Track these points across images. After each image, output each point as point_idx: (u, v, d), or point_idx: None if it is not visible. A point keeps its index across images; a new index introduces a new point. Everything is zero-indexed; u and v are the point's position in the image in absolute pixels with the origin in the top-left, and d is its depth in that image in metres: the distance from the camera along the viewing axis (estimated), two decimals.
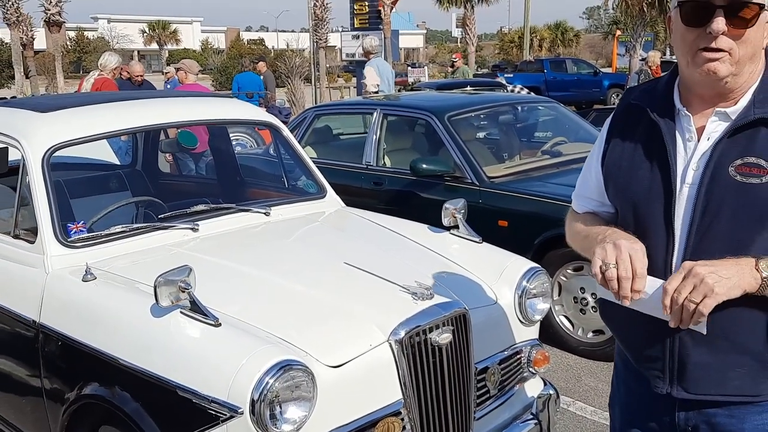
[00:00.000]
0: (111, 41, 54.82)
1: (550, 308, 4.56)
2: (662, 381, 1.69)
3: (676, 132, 1.66)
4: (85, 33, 54.24)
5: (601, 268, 1.58)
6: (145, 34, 58.73)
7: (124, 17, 67.46)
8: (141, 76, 9.88)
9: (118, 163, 5.09)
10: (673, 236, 1.63)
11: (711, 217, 1.57)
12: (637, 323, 1.69)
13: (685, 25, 1.57)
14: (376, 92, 8.87)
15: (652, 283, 1.58)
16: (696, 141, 1.63)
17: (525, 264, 3.10)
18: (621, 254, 1.56)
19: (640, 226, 1.67)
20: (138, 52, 62.35)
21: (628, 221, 1.71)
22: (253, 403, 2.11)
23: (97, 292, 2.66)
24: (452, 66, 16.39)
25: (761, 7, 1.52)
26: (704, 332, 1.56)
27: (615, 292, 1.58)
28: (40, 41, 31.06)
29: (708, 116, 1.63)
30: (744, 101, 1.60)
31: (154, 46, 59.21)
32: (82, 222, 3.02)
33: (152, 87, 10.02)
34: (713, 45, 1.52)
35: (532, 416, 3.01)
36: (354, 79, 24.15)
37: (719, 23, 1.50)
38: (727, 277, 1.47)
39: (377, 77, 9.16)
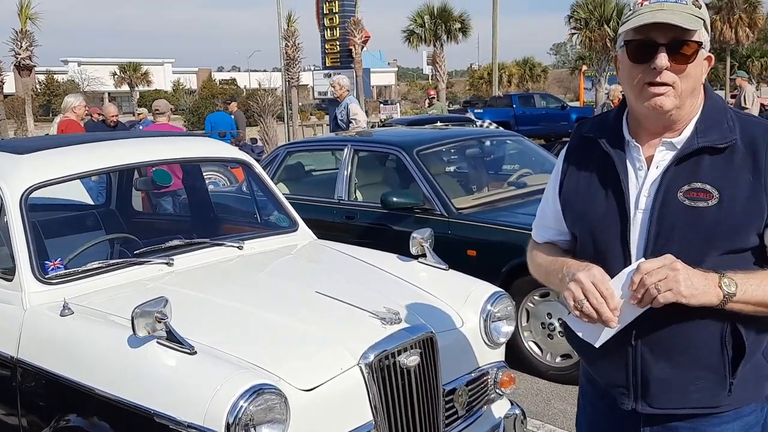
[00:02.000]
0: (81, 84, 54.78)
1: (519, 334, 4.70)
2: (627, 397, 1.78)
3: (627, 161, 1.77)
4: (55, 76, 54.16)
5: (576, 307, 1.67)
6: (116, 76, 58.78)
7: (94, 60, 67.38)
8: (116, 116, 9.99)
9: (92, 203, 5.16)
10: (630, 259, 1.73)
11: (664, 239, 1.68)
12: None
13: (632, 62, 1.69)
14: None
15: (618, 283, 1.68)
16: (646, 169, 1.74)
17: (489, 289, 3.23)
18: (584, 286, 1.66)
19: (598, 250, 1.78)
20: (109, 94, 62.27)
21: (587, 247, 1.82)
22: (228, 426, 2.19)
23: (75, 326, 2.74)
24: (429, 103, 16.69)
25: (699, 44, 1.67)
26: (597, 345, 1.70)
27: (600, 320, 1.65)
28: (10, 85, 31.03)
29: (655, 146, 1.75)
30: (687, 131, 1.72)
31: (125, 87, 59.26)
32: (59, 259, 3.10)
33: (126, 128, 10.12)
34: (658, 79, 1.65)
35: None
36: (326, 117, 24.41)
37: (662, 59, 1.63)
38: (696, 288, 1.58)
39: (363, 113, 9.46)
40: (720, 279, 1.60)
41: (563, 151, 1.97)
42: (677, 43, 1.64)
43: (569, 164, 1.91)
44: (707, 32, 1.70)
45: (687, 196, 1.67)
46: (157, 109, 8.42)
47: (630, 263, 1.71)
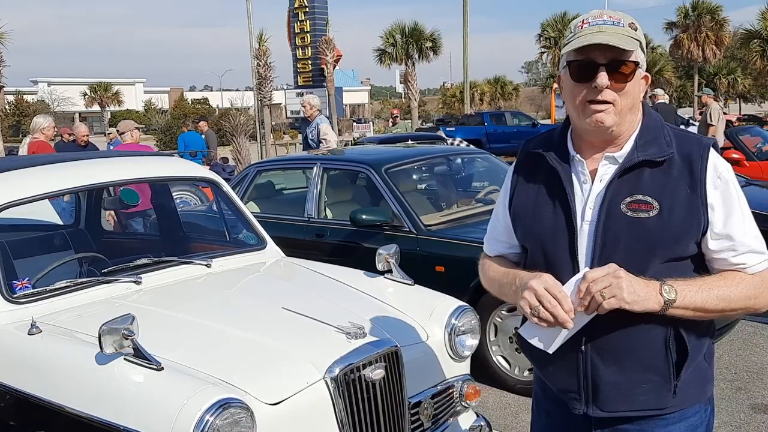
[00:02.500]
0: (51, 104, 54.31)
1: (488, 348, 4.77)
2: (579, 402, 1.86)
3: (572, 175, 1.86)
4: (25, 96, 53.63)
5: (532, 314, 1.74)
6: (86, 96, 58.33)
7: (64, 80, 66.88)
8: (87, 136, 9.93)
9: (61, 222, 5.16)
10: (578, 269, 1.81)
11: (609, 249, 1.76)
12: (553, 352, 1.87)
13: (574, 81, 1.78)
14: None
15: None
16: (590, 183, 1.84)
17: (453, 303, 3.30)
18: (538, 292, 1.73)
19: (548, 261, 1.86)
20: (79, 114, 61.76)
21: (538, 258, 1.89)
22: None
23: (43, 344, 2.75)
24: (393, 122, 16.87)
25: (636, 64, 1.77)
26: (550, 351, 1.77)
27: (557, 323, 1.72)
28: None
29: (599, 160, 1.84)
30: (628, 146, 1.82)
31: (96, 107, 58.81)
32: (27, 279, 3.12)
33: (96, 148, 10.08)
34: (599, 98, 1.75)
35: None
36: (300, 136, 24.46)
37: (603, 78, 1.73)
38: (638, 295, 1.66)
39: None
40: (661, 286, 1.68)
41: (511, 167, 2.05)
42: (616, 63, 1.74)
43: (518, 179, 1.99)
44: (643, 53, 1.81)
45: (629, 207, 1.76)
46: (118, 129, 8.40)
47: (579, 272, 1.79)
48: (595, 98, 1.75)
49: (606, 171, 1.82)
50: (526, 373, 4.80)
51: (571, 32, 1.80)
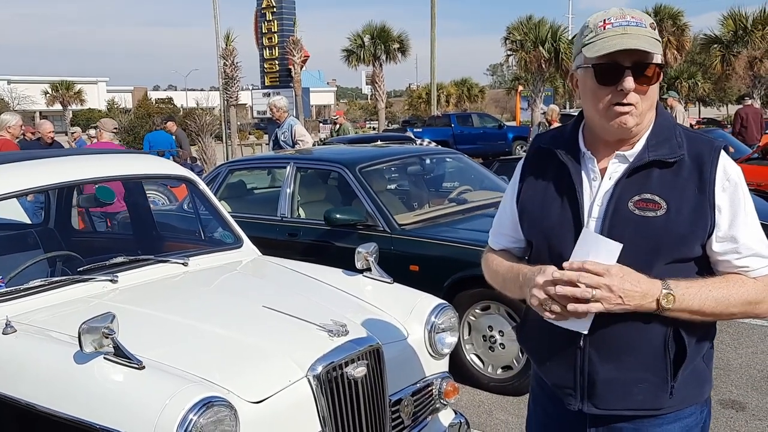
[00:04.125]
0: (11, 102, 53.23)
1: (461, 347, 4.80)
2: (574, 398, 1.86)
3: (582, 172, 1.87)
4: None
5: (545, 310, 1.72)
6: (47, 95, 57.23)
7: (25, 78, 65.61)
8: (51, 132, 9.66)
9: (29, 222, 5.07)
10: None
11: None
12: (550, 346, 1.89)
13: (599, 84, 1.76)
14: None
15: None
16: (600, 180, 1.84)
17: (433, 301, 3.31)
18: (547, 287, 1.71)
19: (553, 256, 1.84)
20: (40, 113, 60.56)
21: (542, 253, 1.89)
22: None
23: (18, 344, 2.70)
24: (335, 124, 16.83)
25: (659, 66, 1.78)
26: (585, 332, 1.74)
27: (569, 314, 1.69)
28: None
29: (609, 158, 1.84)
30: (639, 146, 1.81)
31: (58, 106, 57.71)
32: (0, 277, 3.05)
33: (62, 146, 9.87)
34: (625, 101, 1.73)
35: None
36: (266, 137, 24.31)
37: (630, 82, 1.72)
38: (627, 305, 1.66)
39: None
40: (661, 288, 1.68)
41: (521, 162, 2.05)
42: (641, 66, 1.73)
43: (527, 174, 2.00)
44: (661, 54, 1.80)
45: (637, 206, 1.76)
46: (96, 126, 8.28)
47: None
48: (621, 101, 1.74)
49: (616, 169, 1.83)
50: (500, 371, 4.85)
51: (591, 31, 1.78)
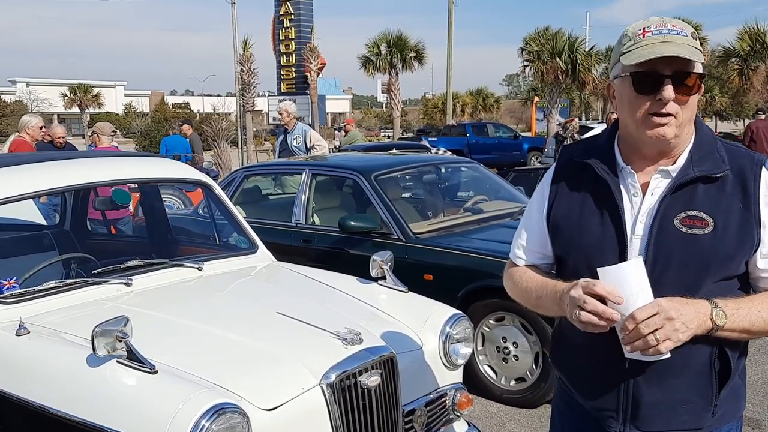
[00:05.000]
0: (30, 105, 53.71)
1: (475, 357, 4.76)
2: (615, 421, 1.79)
3: (621, 187, 1.79)
4: (2, 96, 53.02)
5: (579, 320, 1.65)
6: (65, 98, 57.68)
7: (44, 80, 66.17)
8: (63, 138, 9.65)
9: (45, 223, 5.08)
10: None
11: (661, 266, 1.70)
12: (591, 368, 1.83)
13: (637, 93, 1.70)
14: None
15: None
16: (642, 196, 1.77)
17: (448, 311, 3.28)
18: (579, 297, 1.64)
19: (594, 274, 1.74)
20: (58, 115, 61.08)
21: (582, 271, 1.78)
22: None
23: (31, 345, 2.69)
24: (342, 131, 16.67)
25: (700, 76, 1.70)
26: (668, 355, 1.64)
27: (608, 320, 1.62)
28: None
29: (650, 173, 1.77)
30: (682, 160, 1.75)
31: (75, 109, 58.16)
32: (14, 278, 3.05)
33: (75, 149, 9.88)
34: (664, 111, 1.67)
35: None
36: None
37: (669, 91, 1.65)
38: (691, 328, 1.59)
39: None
40: (712, 310, 1.62)
41: (548, 176, 1.96)
42: (681, 75, 1.68)
43: (558, 188, 1.91)
44: (701, 64, 1.73)
45: (683, 223, 1.70)
46: (94, 130, 8.30)
47: None
48: (659, 111, 1.68)
49: (658, 184, 1.76)
50: (513, 382, 4.80)
51: (630, 39, 1.72)
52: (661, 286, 1.68)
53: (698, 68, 1.70)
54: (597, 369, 1.80)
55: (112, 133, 8.51)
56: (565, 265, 1.91)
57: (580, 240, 1.84)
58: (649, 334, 1.58)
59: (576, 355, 1.86)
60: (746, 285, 1.77)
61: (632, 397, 1.76)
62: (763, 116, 14.27)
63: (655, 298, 1.64)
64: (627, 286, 1.63)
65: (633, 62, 1.69)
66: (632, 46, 1.71)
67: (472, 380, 4.71)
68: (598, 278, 1.68)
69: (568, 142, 13.08)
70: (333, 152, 13.02)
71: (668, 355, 1.64)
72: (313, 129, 9.61)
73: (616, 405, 1.79)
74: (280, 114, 9.64)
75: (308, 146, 9.09)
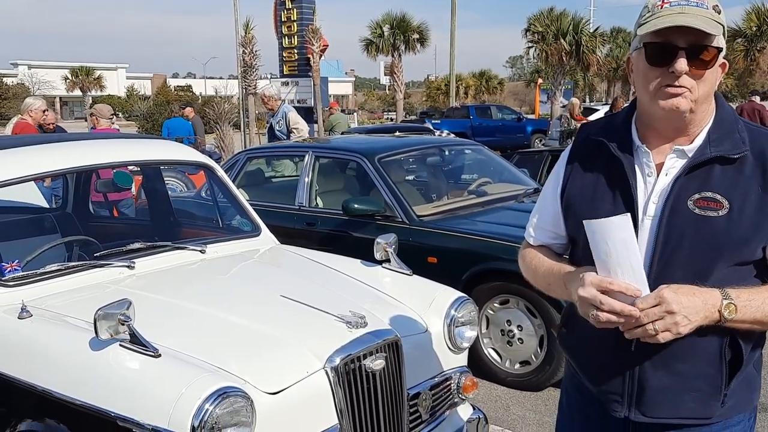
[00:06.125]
0: (31, 87, 53.59)
1: (479, 341, 4.74)
2: (620, 405, 1.76)
3: (636, 166, 1.75)
4: (4, 79, 52.89)
5: (598, 320, 1.62)
6: (67, 81, 57.48)
7: (45, 63, 65.89)
8: (53, 124, 9.38)
9: (47, 206, 5.06)
10: None
11: (672, 247, 1.66)
12: (598, 351, 1.79)
13: (650, 64, 1.65)
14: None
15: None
16: (656, 176, 1.72)
17: (453, 294, 3.25)
18: (594, 298, 1.61)
19: None
20: (60, 98, 60.94)
21: (590, 251, 1.72)
22: (193, 429, 2.16)
23: (33, 328, 2.67)
24: (330, 113, 16.43)
25: (718, 50, 1.63)
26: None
27: (624, 320, 1.60)
28: None
29: (665, 153, 1.72)
30: (699, 140, 1.69)
31: (77, 92, 57.95)
32: (16, 261, 3.03)
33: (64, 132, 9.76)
34: (676, 83, 1.62)
35: None
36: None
37: (682, 64, 1.60)
38: (694, 321, 1.56)
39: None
40: (721, 303, 1.58)
41: (565, 154, 1.93)
42: (697, 48, 1.62)
43: (573, 166, 1.88)
44: (724, 39, 1.67)
45: (697, 204, 1.65)
46: (92, 114, 8.23)
47: None
48: (672, 83, 1.62)
49: (673, 164, 1.71)
50: (517, 365, 4.79)
51: (648, 11, 1.66)
52: (671, 267, 1.65)
53: (717, 42, 1.63)
54: (603, 351, 1.77)
55: (111, 116, 8.44)
56: (577, 246, 1.87)
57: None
58: (648, 323, 1.56)
59: (584, 337, 1.82)
60: (763, 272, 1.70)
61: (638, 380, 1.73)
62: (756, 98, 14.11)
63: (666, 280, 1.61)
64: (611, 241, 1.61)
65: (646, 32, 1.64)
66: (649, 17, 1.65)
67: (477, 363, 4.70)
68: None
69: (563, 123, 13.10)
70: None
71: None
72: (315, 111, 9.40)
73: (621, 388, 1.76)
74: (262, 99, 9.24)
75: (289, 129, 8.81)
